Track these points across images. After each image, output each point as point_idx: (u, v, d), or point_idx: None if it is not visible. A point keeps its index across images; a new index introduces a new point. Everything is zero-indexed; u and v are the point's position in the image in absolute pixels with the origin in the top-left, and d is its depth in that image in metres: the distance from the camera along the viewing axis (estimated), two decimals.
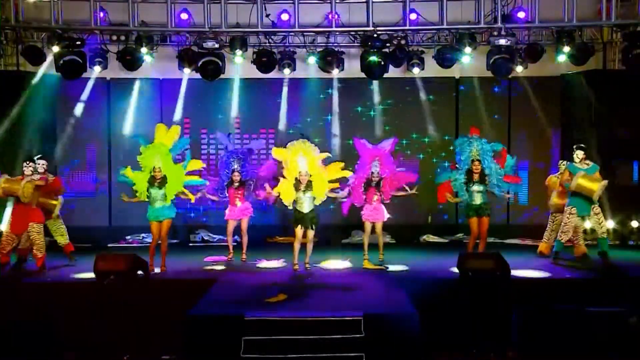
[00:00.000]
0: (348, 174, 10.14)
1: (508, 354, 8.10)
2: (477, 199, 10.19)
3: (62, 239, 10.49)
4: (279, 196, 9.95)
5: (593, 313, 8.00)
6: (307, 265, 10.12)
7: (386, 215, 10.36)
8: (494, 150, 10.40)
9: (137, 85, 13.14)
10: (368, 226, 10.35)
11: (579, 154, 10.25)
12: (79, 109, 12.98)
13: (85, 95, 12.86)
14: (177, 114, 13.03)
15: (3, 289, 8.91)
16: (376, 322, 7.29)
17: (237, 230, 10.87)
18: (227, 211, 10.79)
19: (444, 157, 12.66)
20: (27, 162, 10.00)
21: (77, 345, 8.40)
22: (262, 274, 9.88)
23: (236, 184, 10.68)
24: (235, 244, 11.23)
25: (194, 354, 7.28)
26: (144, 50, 11.60)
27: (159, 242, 10.02)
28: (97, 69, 12.22)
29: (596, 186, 9.91)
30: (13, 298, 8.62)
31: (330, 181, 10.00)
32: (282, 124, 13.22)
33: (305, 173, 9.78)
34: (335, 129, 13.23)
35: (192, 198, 10.24)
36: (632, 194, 12.44)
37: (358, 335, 7.21)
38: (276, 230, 13.08)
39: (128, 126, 12.98)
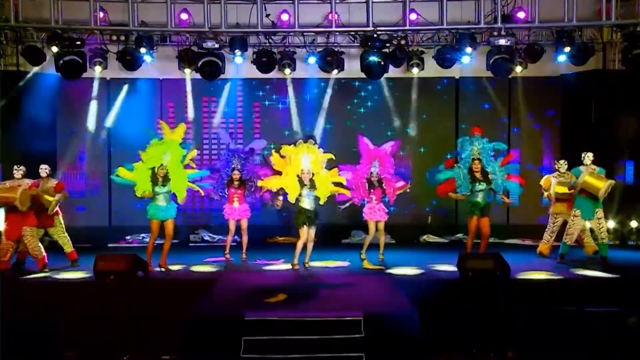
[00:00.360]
0: (344, 182, 10.15)
1: (508, 354, 8.10)
2: (480, 198, 10.18)
3: (65, 247, 10.32)
4: (281, 192, 9.94)
5: (593, 313, 8.01)
6: (307, 265, 10.12)
7: (386, 215, 10.38)
8: (495, 150, 10.40)
9: (135, 86, 13.13)
10: (372, 226, 10.30)
11: (590, 156, 10.29)
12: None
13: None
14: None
15: (3, 289, 8.89)
16: (376, 322, 7.28)
17: (237, 230, 10.84)
18: (225, 209, 10.74)
19: (443, 150, 12.63)
20: (18, 166, 9.91)
21: (77, 345, 8.40)
22: (262, 274, 9.88)
23: (236, 183, 10.67)
24: (234, 243, 11.23)
25: (194, 354, 7.26)
26: (143, 50, 11.60)
27: (157, 241, 9.98)
28: (97, 69, 12.22)
29: (602, 184, 9.94)
30: (13, 298, 8.61)
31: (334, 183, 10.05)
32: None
33: (308, 171, 9.80)
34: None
35: (201, 190, 10.21)
36: (631, 194, 12.45)
37: (358, 335, 7.21)
38: (276, 230, 13.08)
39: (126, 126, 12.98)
